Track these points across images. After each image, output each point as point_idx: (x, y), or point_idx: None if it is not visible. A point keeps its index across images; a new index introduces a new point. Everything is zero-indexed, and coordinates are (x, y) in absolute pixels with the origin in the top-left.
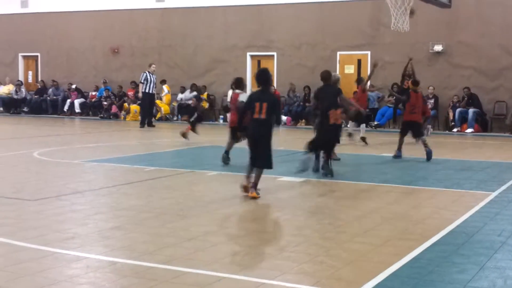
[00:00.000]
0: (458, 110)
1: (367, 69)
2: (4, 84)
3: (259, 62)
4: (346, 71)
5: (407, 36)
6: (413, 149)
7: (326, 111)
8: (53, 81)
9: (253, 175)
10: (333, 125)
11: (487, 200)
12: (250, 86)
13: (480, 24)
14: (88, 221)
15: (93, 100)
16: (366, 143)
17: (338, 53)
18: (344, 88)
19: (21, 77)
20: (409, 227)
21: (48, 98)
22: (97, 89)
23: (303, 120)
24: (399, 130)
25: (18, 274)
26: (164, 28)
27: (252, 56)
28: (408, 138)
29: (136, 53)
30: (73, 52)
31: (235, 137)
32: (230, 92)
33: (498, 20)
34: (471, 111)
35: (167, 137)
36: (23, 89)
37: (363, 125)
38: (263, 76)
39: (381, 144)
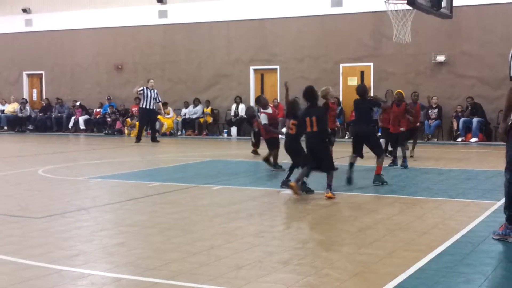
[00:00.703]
0: (462, 119)
1: (370, 81)
2: (9, 102)
3: (262, 75)
4: (349, 83)
5: (409, 47)
6: (417, 160)
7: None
8: (57, 98)
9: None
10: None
11: (492, 209)
12: (254, 99)
13: (482, 34)
14: (93, 237)
15: (98, 116)
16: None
17: (341, 65)
18: (348, 100)
19: (25, 95)
20: (414, 238)
21: (53, 115)
22: (101, 105)
23: None
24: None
25: None
26: (167, 44)
27: (255, 70)
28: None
29: (140, 69)
30: (77, 69)
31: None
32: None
33: (499, 29)
34: (475, 120)
35: (171, 152)
36: (28, 107)
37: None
38: (309, 94)
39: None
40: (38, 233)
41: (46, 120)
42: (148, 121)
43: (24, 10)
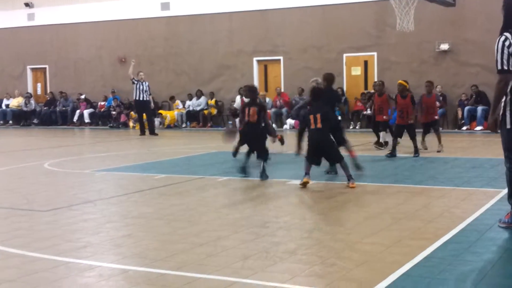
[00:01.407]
0: (466, 108)
1: (374, 70)
2: (14, 96)
3: (265, 66)
4: (353, 72)
5: (412, 35)
6: (422, 149)
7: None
8: (61, 92)
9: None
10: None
11: (497, 197)
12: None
13: (486, 21)
14: (100, 229)
15: (102, 110)
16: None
17: (344, 55)
18: (352, 89)
19: (30, 89)
20: (420, 226)
21: (58, 109)
22: (105, 99)
23: None
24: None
25: (32, 284)
26: (170, 36)
27: (258, 61)
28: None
29: (143, 61)
30: (80, 63)
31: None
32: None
33: None
34: (479, 108)
35: (176, 144)
36: (32, 101)
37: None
38: (315, 93)
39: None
40: (45, 226)
41: (51, 114)
42: (141, 112)
43: (27, 5)
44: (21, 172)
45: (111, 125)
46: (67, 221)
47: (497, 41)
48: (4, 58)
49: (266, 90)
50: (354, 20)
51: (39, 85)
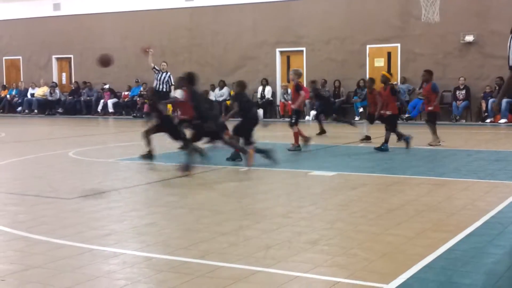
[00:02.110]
0: (491, 100)
1: (397, 62)
2: (39, 86)
3: (288, 58)
4: (376, 64)
5: (437, 27)
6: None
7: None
8: (85, 82)
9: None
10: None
11: None
12: (280, 81)
13: None
14: (124, 218)
15: (126, 100)
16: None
17: (368, 46)
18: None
19: (55, 79)
20: (442, 218)
21: (82, 99)
22: (129, 89)
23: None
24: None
25: (58, 270)
26: (194, 26)
27: (281, 52)
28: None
29: (167, 52)
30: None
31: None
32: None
33: None
34: (504, 101)
35: None
36: (57, 91)
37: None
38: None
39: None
40: (70, 213)
41: (76, 104)
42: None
43: None
44: (46, 160)
45: (135, 115)
46: (92, 209)
47: (510, 38)
48: (30, 48)
49: (288, 81)
50: (379, 11)
51: (64, 74)
